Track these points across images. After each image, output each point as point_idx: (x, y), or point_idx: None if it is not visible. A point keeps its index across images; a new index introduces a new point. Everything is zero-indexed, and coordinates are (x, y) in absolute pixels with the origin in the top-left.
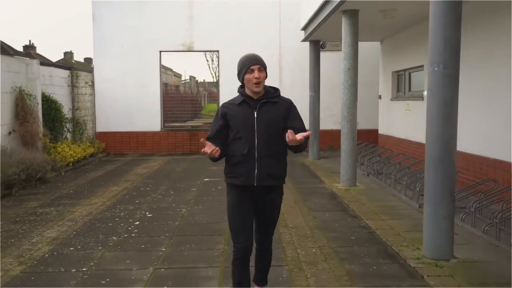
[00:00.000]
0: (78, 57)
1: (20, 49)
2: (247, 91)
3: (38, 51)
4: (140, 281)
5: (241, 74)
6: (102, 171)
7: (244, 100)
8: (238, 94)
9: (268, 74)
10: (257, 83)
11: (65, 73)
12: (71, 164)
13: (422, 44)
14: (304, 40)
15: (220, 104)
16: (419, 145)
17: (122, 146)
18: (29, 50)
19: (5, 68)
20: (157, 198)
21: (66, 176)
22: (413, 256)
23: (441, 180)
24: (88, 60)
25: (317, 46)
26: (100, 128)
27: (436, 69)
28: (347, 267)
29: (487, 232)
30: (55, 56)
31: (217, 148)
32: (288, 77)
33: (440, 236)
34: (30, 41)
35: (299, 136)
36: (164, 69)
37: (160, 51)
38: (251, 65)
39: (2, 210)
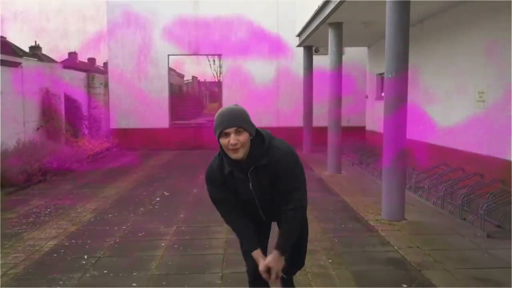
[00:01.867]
0: (82, 57)
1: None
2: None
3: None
4: (167, 234)
5: (216, 136)
6: (119, 163)
7: (231, 171)
8: (219, 157)
9: (266, 76)
10: (234, 150)
11: (82, 75)
12: (90, 156)
13: None
14: (298, 46)
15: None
16: None
17: (133, 142)
18: (36, 51)
19: (34, 71)
20: (171, 183)
21: (89, 166)
22: (374, 218)
23: (393, 160)
24: (92, 60)
25: (310, 51)
26: (114, 125)
27: (390, 75)
28: (322, 226)
29: (436, 203)
30: (59, 56)
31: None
32: (285, 78)
33: (393, 203)
34: (36, 42)
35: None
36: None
37: (169, 55)
38: (224, 128)
39: (43, 191)
